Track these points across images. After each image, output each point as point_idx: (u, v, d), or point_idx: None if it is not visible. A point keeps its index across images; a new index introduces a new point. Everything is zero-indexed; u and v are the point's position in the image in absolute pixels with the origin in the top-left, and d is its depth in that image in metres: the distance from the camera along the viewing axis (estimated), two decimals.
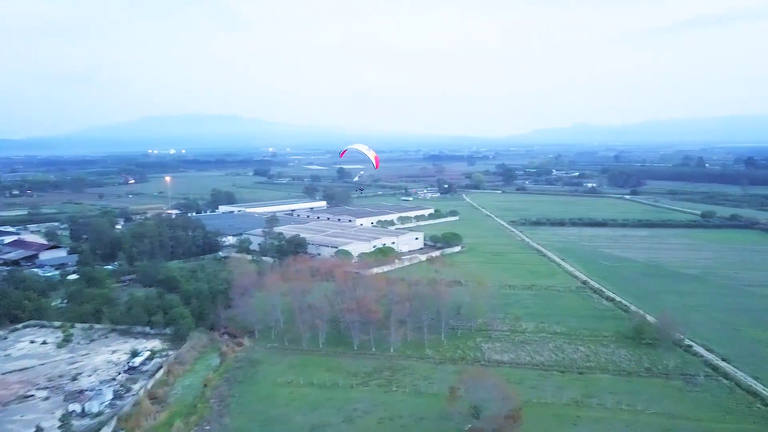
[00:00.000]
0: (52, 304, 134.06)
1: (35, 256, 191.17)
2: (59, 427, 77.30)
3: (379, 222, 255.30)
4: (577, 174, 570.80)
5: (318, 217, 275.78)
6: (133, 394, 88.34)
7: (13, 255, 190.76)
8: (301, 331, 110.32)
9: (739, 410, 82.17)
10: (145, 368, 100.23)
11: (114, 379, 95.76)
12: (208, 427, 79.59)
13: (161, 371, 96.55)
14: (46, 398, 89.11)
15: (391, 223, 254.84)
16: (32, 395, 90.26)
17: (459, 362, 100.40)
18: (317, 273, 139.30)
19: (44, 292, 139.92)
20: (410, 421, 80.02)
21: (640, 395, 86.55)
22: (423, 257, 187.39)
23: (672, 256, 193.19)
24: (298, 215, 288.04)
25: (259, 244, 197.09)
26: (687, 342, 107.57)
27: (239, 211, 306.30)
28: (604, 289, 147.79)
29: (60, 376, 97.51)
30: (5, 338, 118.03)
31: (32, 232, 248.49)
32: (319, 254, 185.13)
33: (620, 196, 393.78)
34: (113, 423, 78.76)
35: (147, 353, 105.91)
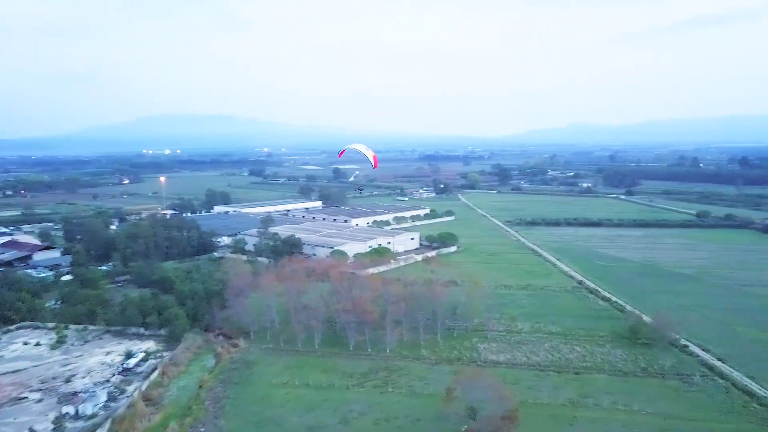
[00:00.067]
0: (46, 305, 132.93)
1: (29, 257, 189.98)
2: (52, 430, 76.90)
3: (374, 222, 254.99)
4: (572, 174, 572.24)
5: (313, 218, 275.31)
6: (128, 396, 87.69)
7: (7, 256, 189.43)
8: (296, 331, 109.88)
9: (736, 410, 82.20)
10: (139, 370, 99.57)
11: (108, 381, 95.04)
12: (203, 429, 79.09)
13: (156, 373, 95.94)
14: (40, 400, 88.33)
15: (387, 223, 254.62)
16: (25, 397, 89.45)
17: (455, 363, 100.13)
18: (313, 273, 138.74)
19: (38, 293, 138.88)
20: (406, 422, 79.70)
21: (637, 395, 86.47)
22: (419, 257, 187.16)
23: (667, 255, 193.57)
24: (294, 215, 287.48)
25: (254, 245, 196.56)
26: (683, 342, 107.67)
27: (234, 211, 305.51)
28: (599, 289, 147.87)
29: (53, 378, 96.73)
30: None
31: (26, 232, 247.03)
32: (314, 254, 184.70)
33: (615, 196, 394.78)
34: (107, 425, 78.14)
35: (141, 354, 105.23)
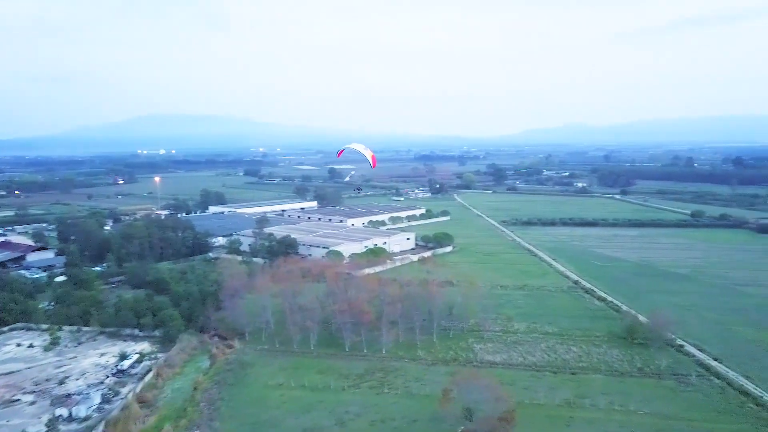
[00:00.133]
0: (39, 306, 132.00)
1: (22, 258, 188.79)
2: None
3: (370, 222, 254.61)
4: (567, 174, 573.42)
5: (309, 218, 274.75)
6: (122, 398, 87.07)
7: (0, 257, 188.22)
8: (292, 332, 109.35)
9: (732, 410, 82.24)
10: (133, 371, 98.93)
11: (102, 383, 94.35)
12: (197, 431, 78.56)
13: (150, 374, 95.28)
14: (33, 403, 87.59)
15: (383, 223, 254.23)
16: (18, 400, 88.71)
17: (451, 363, 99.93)
18: (308, 274, 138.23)
19: (31, 294, 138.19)
20: (403, 423, 79.37)
21: (633, 395, 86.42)
22: (414, 257, 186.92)
23: (662, 255, 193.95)
24: (289, 216, 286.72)
25: (249, 245, 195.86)
26: (679, 341, 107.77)
27: (229, 211, 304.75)
28: (595, 289, 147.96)
29: (47, 380, 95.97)
30: None
31: (19, 233, 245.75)
32: (310, 255, 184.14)
33: (610, 195, 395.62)
34: (101, 427, 77.51)
35: (136, 356, 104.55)
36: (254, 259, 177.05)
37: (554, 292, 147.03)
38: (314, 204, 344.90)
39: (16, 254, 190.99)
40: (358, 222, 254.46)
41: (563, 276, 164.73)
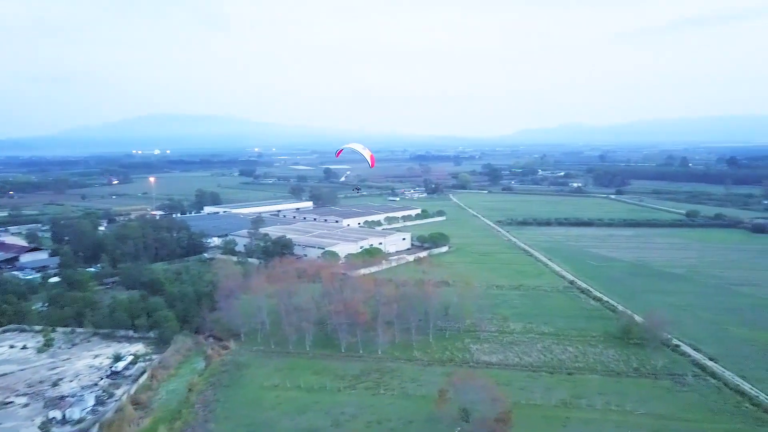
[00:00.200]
0: (33, 307, 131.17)
1: (15, 259, 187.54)
2: None
3: (366, 222, 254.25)
4: (562, 174, 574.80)
5: (304, 218, 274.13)
6: (116, 400, 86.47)
7: None
8: (287, 333, 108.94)
9: (728, 410, 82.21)
10: (128, 373, 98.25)
11: (96, 385, 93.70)
12: None
13: (145, 376, 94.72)
14: (26, 405, 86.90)
15: (378, 223, 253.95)
16: (11, 402, 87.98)
17: (447, 364, 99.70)
18: (304, 274, 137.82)
19: (24, 295, 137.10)
20: (399, 424, 79.04)
21: (629, 396, 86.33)
22: (410, 258, 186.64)
23: (658, 255, 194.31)
24: (284, 216, 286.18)
25: (244, 246, 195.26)
26: (674, 341, 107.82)
27: (224, 211, 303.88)
28: (591, 289, 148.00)
29: (40, 382, 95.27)
30: None
31: (13, 233, 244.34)
32: (305, 255, 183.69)
33: (605, 195, 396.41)
34: (95, 430, 76.97)
35: (130, 357, 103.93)
36: (249, 259, 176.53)
37: (550, 292, 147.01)
38: (310, 204, 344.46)
39: (10, 255, 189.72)
40: (353, 222, 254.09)
41: (559, 276, 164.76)
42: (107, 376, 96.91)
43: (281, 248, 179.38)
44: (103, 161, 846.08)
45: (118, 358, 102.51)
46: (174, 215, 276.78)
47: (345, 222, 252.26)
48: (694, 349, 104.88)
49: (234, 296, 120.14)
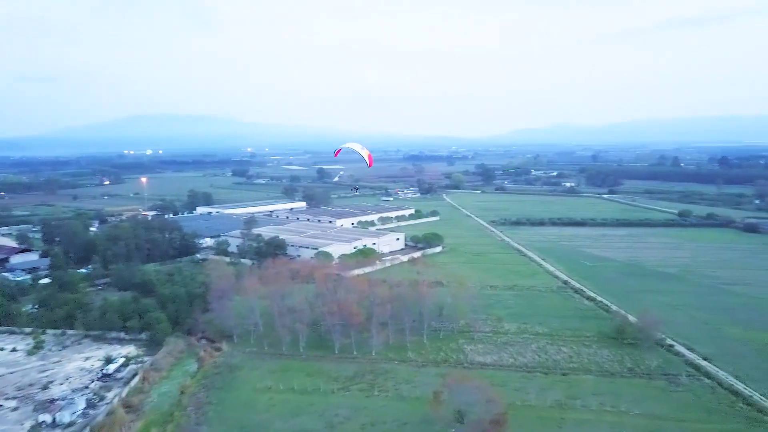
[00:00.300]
0: (23, 309, 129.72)
1: (6, 260, 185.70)
2: None
3: (359, 223, 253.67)
4: (555, 174, 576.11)
5: (297, 218, 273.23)
6: (107, 403, 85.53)
7: None
8: (280, 335, 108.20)
9: (722, 410, 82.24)
10: (119, 375, 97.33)
11: (87, 387, 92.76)
12: None
13: (136, 378, 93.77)
14: (15, 408, 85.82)
15: (372, 223, 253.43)
16: (0, 405, 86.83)
17: (442, 365, 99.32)
18: (297, 275, 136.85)
19: (14, 297, 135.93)
20: (393, 426, 78.52)
21: (624, 396, 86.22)
22: (404, 258, 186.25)
23: (651, 255, 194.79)
24: (277, 216, 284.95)
25: (237, 246, 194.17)
26: (668, 341, 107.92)
27: (217, 212, 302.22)
28: (585, 289, 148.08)
29: (30, 385, 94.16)
30: None
31: (3, 234, 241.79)
32: (298, 256, 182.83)
33: (598, 195, 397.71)
34: None
35: (121, 360, 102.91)
36: (242, 260, 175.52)
37: (544, 292, 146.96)
38: (303, 204, 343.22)
39: (0, 256, 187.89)
40: (347, 222, 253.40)
41: (553, 276, 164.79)
42: (98, 379, 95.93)
43: (274, 249, 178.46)
44: (94, 161, 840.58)
45: (109, 361, 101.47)
46: (166, 216, 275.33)
47: (338, 222, 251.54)
48: (688, 349, 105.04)
49: (227, 297, 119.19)
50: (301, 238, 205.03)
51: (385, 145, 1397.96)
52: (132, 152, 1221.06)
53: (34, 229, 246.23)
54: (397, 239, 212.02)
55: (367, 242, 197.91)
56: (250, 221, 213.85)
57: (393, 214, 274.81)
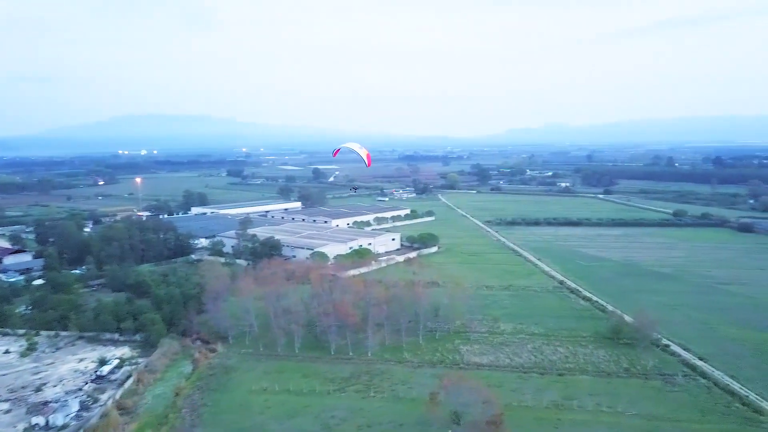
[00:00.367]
0: (16, 310, 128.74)
1: None
2: None
3: (355, 223, 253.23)
4: (550, 174, 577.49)
5: (293, 219, 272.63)
6: (101, 405, 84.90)
7: None
8: (276, 336, 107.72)
9: (718, 410, 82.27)
10: (113, 377, 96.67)
11: (80, 390, 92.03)
12: None
13: (131, 380, 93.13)
14: (8, 411, 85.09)
15: (368, 223, 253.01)
16: None
17: (438, 365, 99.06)
18: (292, 276, 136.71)
19: (7, 298, 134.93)
20: (389, 427, 78.20)
21: (620, 396, 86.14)
22: (400, 258, 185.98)
23: (646, 254, 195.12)
24: (273, 216, 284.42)
25: (232, 247, 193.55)
26: (664, 341, 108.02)
27: (212, 212, 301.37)
28: (580, 289, 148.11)
29: (23, 387, 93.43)
30: None
31: None
32: (294, 256, 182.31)
33: (593, 195, 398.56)
34: None
35: (116, 361, 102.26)
36: (237, 261, 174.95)
37: (540, 293, 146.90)
38: (298, 205, 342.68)
39: None
40: (342, 223, 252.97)
41: (548, 276, 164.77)
42: (92, 381, 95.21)
43: (269, 249, 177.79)
44: (88, 162, 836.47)
45: (103, 362, 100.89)
46: (161, 216, 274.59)
47: (334, 222, 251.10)
48: (684, 349, 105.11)
49: (222, 298, 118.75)
50: (297, 238, 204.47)
51: (380, 145, 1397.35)
52: (126, 152, 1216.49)
53: (28, 229, 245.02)
54: (393, 239, 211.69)
55: (363, 242, 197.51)
56: (246, 222, 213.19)
57: (388, 215, 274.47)
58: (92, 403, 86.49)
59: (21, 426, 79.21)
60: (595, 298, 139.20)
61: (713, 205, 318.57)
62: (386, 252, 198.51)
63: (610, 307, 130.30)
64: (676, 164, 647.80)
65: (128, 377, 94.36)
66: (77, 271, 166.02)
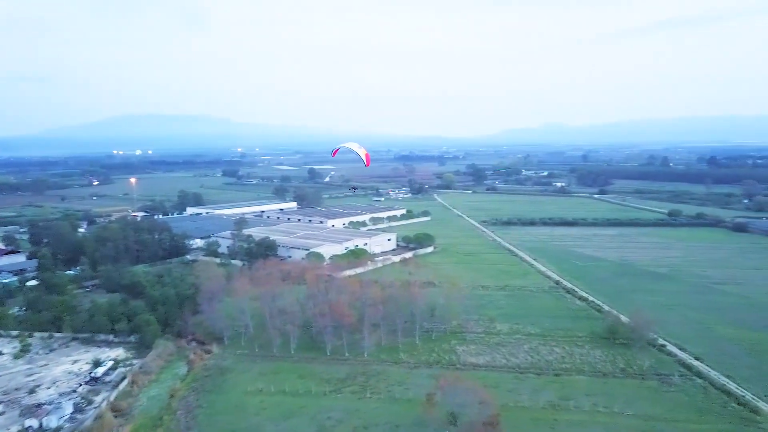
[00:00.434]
0: (10, 312, 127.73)
1: None
2: None
3: (350, 223, 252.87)
4: (546, 174, 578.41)
5: (288, 219, 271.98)
6: (95, 407, 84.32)
7: None
8: (271, 336, 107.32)
9: (715, 410, 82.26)
10: (108, 379, 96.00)
11: (75, 391, 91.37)
12: None
13: (125, 382, 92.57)
14: (1, 413, 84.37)
15: (363, 224, 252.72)
16: None
17: (434, 366, 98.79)
18: (288, 276, 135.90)
19: (1, 299, 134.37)
20: (386, 428, 77.88)
21: (617, 397, 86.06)
22: (396, 258, 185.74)
23: (642, 254, 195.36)
24: (268, 217, 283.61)
25: (227, 247, 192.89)
26: (660, 341, 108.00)
27: (207, 212, 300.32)
28: (576, 289, 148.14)
29: (16, 389, 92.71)
30: None
31: None
32: (289, 257, 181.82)
33: (589, 195, 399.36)
34: None
35: (110, 363, 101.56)
36: (233, 261, 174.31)
37: (536, 293, 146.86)
38: (294, 205, 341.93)
39: None
40: (338, 223, 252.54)
41: (544, 276, 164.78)
42: (86, 383, 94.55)
43: (265, 250, 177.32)
44: (83, 162, 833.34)
45: (97, 364, 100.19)
46: (156, 216, 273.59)
47: (329, 223, 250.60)
48: (680, 349, 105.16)
49: (217, 299, 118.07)
50: (292, 238, 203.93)
51: (377, 145, 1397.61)
52: (121, 152, 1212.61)
53: (22, 230, 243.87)
54: (389, 240, 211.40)
55: (359, 243, 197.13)
56: (241, 222, 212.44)
57: (384, 215, 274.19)
58: (86, 405, 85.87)
59: (14, 428, 78.63)
60: (591, 298, 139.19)
61: (708, 205, 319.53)
62: (382, 252, 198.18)
63: (606, 307, 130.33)
64: (671, 164, 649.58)
65: (123, 379, 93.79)
66: (71, 272, 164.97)
